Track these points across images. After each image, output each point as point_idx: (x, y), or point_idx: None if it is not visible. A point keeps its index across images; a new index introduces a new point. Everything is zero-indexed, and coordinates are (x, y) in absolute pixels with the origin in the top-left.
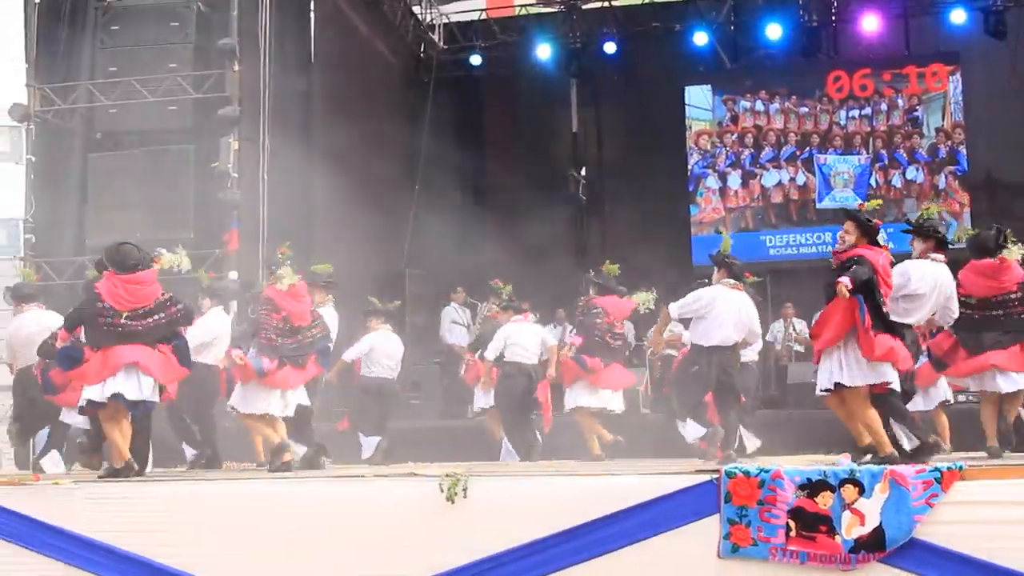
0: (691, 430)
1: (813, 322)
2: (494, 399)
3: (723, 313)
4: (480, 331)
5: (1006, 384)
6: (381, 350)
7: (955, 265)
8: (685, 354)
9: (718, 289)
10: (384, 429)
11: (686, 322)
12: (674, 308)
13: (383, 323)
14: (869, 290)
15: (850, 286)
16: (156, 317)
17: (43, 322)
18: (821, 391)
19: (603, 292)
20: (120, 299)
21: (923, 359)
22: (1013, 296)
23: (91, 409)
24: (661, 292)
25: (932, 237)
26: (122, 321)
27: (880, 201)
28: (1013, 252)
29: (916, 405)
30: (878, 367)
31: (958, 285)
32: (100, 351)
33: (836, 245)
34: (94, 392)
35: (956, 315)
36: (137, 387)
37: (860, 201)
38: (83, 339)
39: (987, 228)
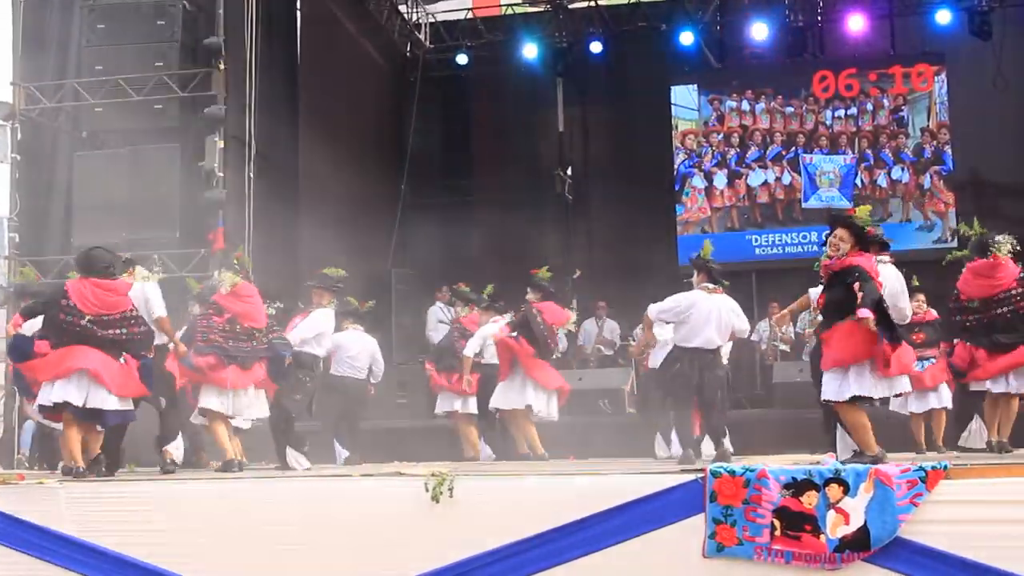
0: (662, 448)
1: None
2: (476, 401)
3: (702, 317)
4: (443, 338)
5: None
6: (345, 350)
7: (935, 265)
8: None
9: (697, 294)
10: (353, 429)
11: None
12: (652, 310)
13: (354, 324)
14: (878, 304)
15: (873, 316)
16: (117, 331)
17: None
18: (831, 400)
19: (545, 297)
20: (86, 301)
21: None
22: (1015, 292)
23: (47, 414)
24: (647, 291)
25: (874, 242)
26: (83, 323)
27: (870, 207)
28: (1003, 248)
29: (909, 406)
30: (895, 380)
31: (958, 293)
32: (58, 350)
33: (827, 251)
34: (44, 396)
35: (910, 314)
36: (85, 394)
37: (849, 204)
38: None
39: (983, 230)
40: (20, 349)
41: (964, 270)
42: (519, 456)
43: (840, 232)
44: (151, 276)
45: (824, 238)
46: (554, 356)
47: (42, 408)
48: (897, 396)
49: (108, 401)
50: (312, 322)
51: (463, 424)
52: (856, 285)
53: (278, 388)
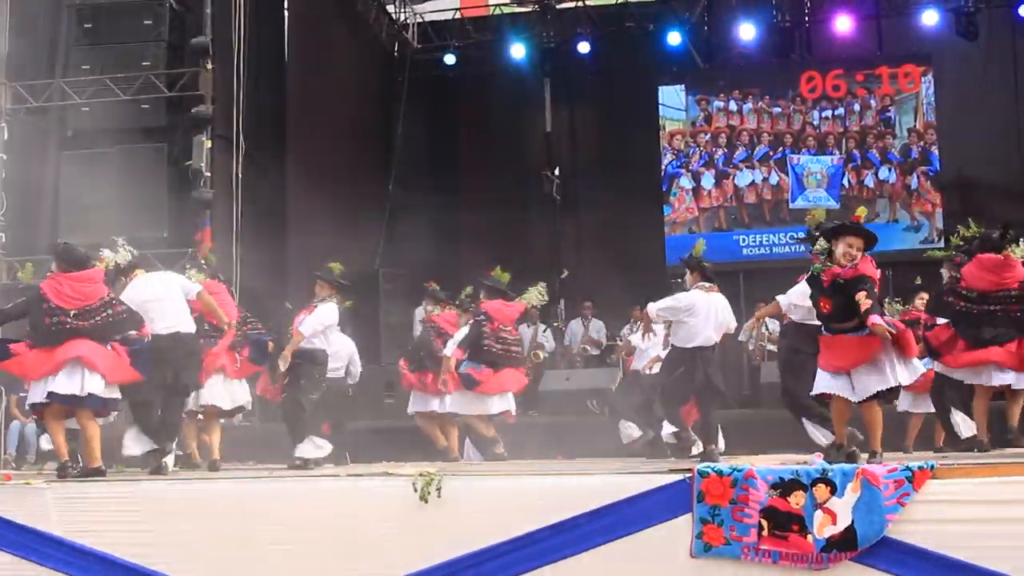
0: (627, 431)
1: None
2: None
3: (702, 317)
4: (419, 336)
5: (1004, 380)
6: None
7: (922, 266)
8: (663, 357)
9: (696, 294)
10: (338, 430)
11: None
12: (652, 308)
13: None
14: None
15: (889, 327)
16: (103, 315)
17: None
18: (868, 397)
19: (492, 295)
20: (66, 297)
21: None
22: (1013, 293)
23: (36, 411)
24: (635, 292)
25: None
26: (69, 319)
27: (865, 210)
28: (1018, 251)
29: (925, 406)
30: (913, 363)
31: (960, 278)
32: (44, 348)
33: (838, 259)
34: (36, 394)
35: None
36: (79, 383)
37: (836, 205)
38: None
39: (993, 228)
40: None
41: (973, 259)
42: (495, 456)
43: (853, 240)
44: (119, 256)
45: (812, 243)
46: (516, 355)
47: (34, 407)
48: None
49: (99, 386)
50: (320, 315)
51: (445, 424)
52: (862, 294)
53: (295, 385)
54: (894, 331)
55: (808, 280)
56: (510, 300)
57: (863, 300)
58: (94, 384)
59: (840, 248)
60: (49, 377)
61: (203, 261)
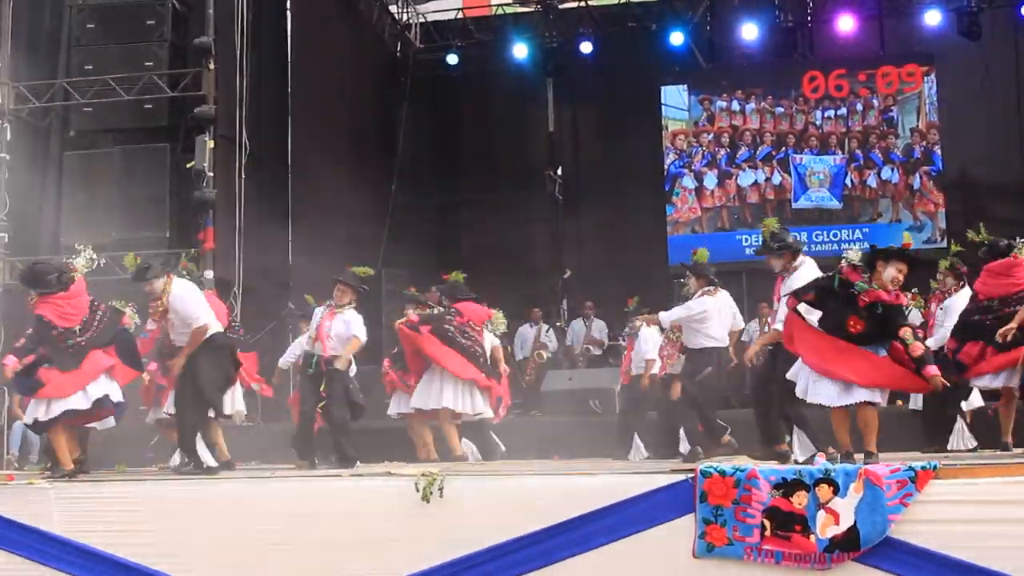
0: (638, 452)
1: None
2: None
3: (715, 319)
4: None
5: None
6: None
7: (926, 266)
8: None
9: (704, 300)
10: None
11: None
12: (664, 317)
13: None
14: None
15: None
16: (97, 321)
17: None
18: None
19: (455, 300)
20: (69, 316)
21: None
22: None
23: (68, 419)
24: (638, 291)
25: (787, 250)
26: (78, 337)
27: (911, 243)
28: (1023, 251)
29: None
30: None
31: (975, 294)
32: (69, 371)
33: (884, 283)
34: (75, 401)
35: None
36: (117, 390)
37: (839, 205)
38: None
39: (999, 237)
40: (30, 385)
41: (982, 271)
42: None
43: (903, 267)
44: (89, 262)
45: (767, 252)
46: (478, 355)
47: (71, 414)
48: None
49: (119, 392)
50: (360, 326)
51: (419, 426)
52: (908, 331)
53: (343, 393)
54: (947, 384)
55: (831, 291)
56: (476, 301)
57: (913, 342)
58: (116, 391)
59: (890, 272)
60: (88, 388)
61: (185, 272)
